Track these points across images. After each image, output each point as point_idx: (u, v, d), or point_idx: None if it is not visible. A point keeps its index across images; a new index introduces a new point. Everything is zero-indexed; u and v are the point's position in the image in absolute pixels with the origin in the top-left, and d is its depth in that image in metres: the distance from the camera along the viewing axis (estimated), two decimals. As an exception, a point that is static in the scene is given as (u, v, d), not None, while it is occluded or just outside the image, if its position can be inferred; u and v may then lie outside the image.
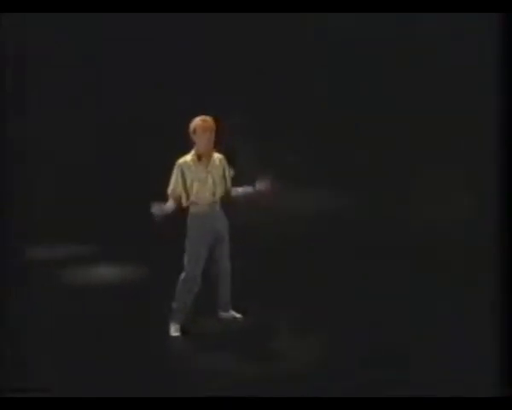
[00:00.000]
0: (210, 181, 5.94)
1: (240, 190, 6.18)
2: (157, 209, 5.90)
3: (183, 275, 5.96)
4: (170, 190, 5.97)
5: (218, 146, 6.03)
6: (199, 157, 5.94)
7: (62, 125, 9.04)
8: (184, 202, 5.94)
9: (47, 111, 8.93)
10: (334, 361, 5.35)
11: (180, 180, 5.92)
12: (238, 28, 8.55)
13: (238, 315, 6.18)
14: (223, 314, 6.16)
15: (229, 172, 6.08)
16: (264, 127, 8.99)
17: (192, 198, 5.93)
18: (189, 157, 5.96)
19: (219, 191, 6.01)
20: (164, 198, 5.98)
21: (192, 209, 5.97)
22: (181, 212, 6.01)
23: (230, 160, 6.13)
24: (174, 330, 5.98)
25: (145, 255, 7.74)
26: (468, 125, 8.15)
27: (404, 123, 8.70)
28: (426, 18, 7.94)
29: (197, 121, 5.89)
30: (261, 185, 6.18)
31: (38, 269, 7.72)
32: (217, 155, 6.04)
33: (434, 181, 8.50)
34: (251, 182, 6.20)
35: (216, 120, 5.95)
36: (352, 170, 8.71)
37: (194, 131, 5.88)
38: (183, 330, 5.98)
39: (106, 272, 7.74)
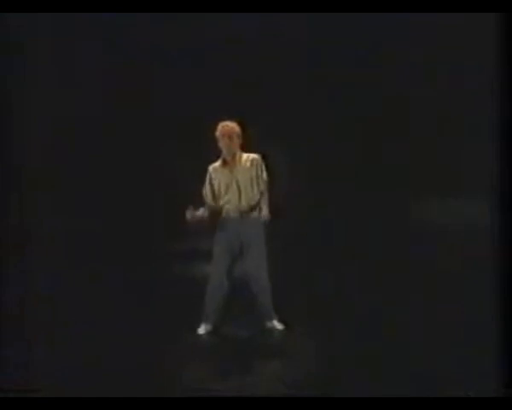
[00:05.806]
0: (235, 186, 5.92)
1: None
2: (189, 214, 5.91)
3: (209, 278, 6.01)
4: (203, 196, 6.02)
5: (246, 150, 5.98)
6: (224, 162, 5.97)
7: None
8: (215, 207, 5.95)
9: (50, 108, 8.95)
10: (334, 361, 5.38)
11: (208, 186, 5.98)
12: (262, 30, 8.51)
13: (280, 326, 6.03)
14: (266, 324, 6.05)
15: (263, 175, 5.99)
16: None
17: (221, 203, 5.94)
18: (216, 162, 6.01)
19: (248, 196, 5.95)
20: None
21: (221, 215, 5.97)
22: (214, 217, 5.98)
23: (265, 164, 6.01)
24: (202, 329, 5.99)
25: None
26: (468, 125, 8.16)
27: (402, 123, 8.72)
28: (426, 18, 7.94)
29: (218, 127, 5.94)
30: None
31: (39, 268, 7.74)
32: (248, 157, 5.99)
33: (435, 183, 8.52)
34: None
35: (241, 124, 5.93)
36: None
37: (217, 136, 5.93)
38: (214, 332, 5.98)
39: (113, 270, 7.75)
